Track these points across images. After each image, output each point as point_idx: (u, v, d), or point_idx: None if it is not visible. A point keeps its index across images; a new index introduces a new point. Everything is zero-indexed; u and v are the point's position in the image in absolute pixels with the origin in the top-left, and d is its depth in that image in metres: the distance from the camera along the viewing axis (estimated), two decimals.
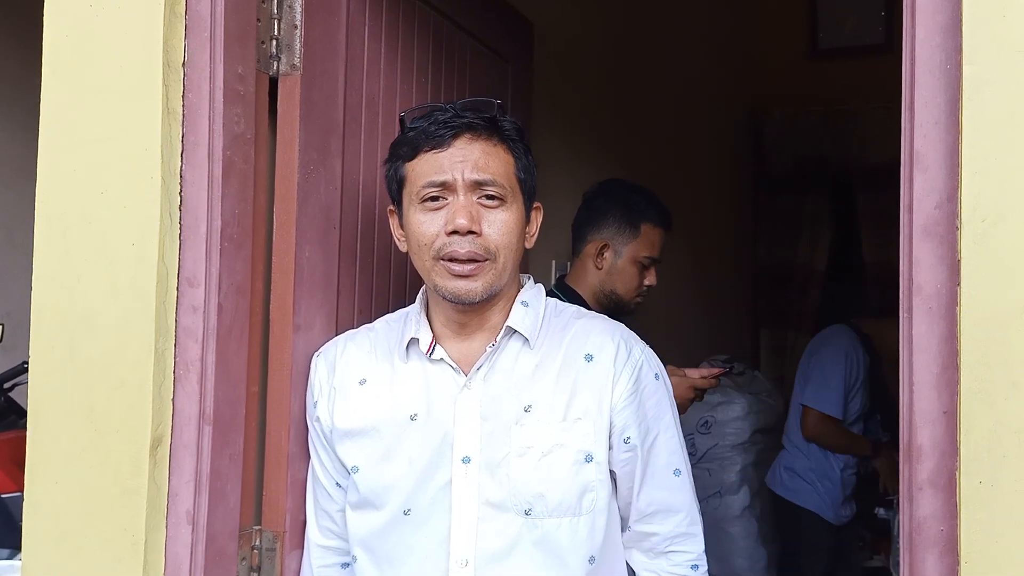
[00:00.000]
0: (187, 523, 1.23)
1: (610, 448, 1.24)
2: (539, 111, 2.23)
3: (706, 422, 3.45)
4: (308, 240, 1.39)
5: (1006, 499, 0.90)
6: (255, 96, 1.35)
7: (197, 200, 1.27)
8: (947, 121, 0.98)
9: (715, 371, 2.05)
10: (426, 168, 1.22)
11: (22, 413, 2.69)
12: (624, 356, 1.25)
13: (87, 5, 1.31)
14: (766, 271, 4.75)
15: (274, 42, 1.38)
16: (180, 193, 1.28)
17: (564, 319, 1.30)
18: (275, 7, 1.37)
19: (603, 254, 2.08)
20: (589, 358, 1.24)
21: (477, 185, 1.20)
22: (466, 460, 1.21)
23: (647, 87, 3.34)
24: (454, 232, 1.19)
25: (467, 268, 1.19)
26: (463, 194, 1.20)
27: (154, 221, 1.26)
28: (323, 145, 1.42)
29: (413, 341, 1.27)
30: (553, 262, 2.60)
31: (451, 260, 1.19)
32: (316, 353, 1.35)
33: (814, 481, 2.94)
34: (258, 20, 1.35)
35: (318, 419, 1.30)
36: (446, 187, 1.20)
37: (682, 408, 2.01)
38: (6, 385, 2.73)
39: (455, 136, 1.21)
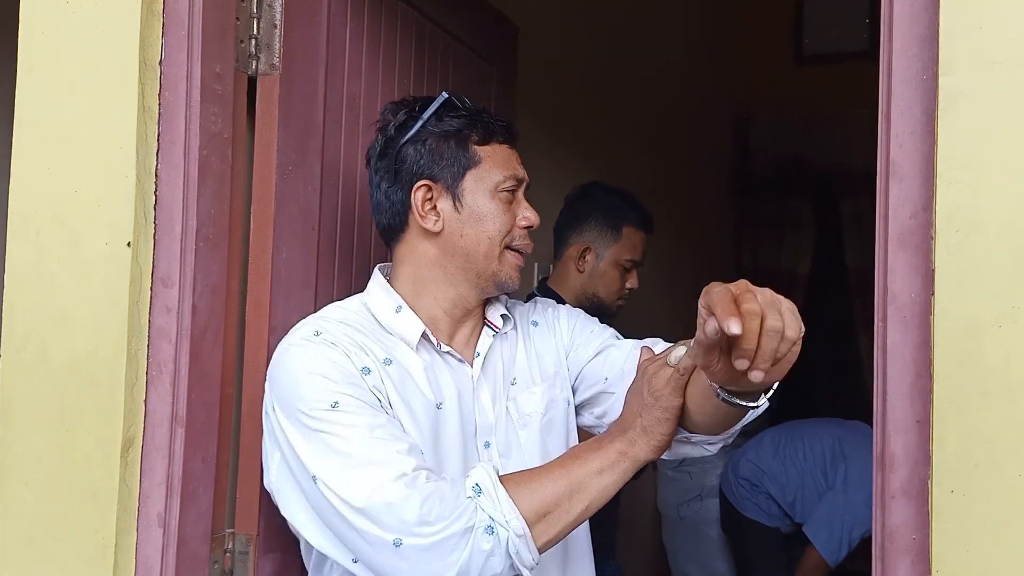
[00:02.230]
0: (158, 526, 1.22)
1: (583, 372, 1.36)
2: (523, 114, 2.22)
3: None
4: (286, 242, 1.38)
5: (978, 508, 0.90)
6: (233, 95, 1.33)
7: (172, 199, 1.26)
8: (923, 131, 0.99)
9: None
10: (502, 160, 1.28)
11: None
12: (543, 306, 1.44)
13: (63, 2, 1.29)
14: (749, 275, 4.72)
15: (253, 41, 1.36)
16: (155, 192, 1.27)
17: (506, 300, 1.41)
18: (254, 6, 1.36)
19: (585, 257, 2.09)
20: (535, 324, 1.39)
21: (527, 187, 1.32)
22: (487, 445, 1.27)
23: (632, 91, 3.34)
24: (528, 227, 1.29)
25: (522, 261, 1.31)
26: (522, 192, 1.31)
27: (128, 220, 1.24)
28: (302, 146, 1.41)
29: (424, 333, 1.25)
30: (536, 265, 2.60)
31: (519, 252, 1.29)
32: (309, 338, 1.18)
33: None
34: (237, 19, 1.34)
35: (376, 388, 1.16)
36: (519, 183, 1.29)
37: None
38: None
39: (515, 135, 1.32)
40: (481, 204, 1.26)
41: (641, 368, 1.20)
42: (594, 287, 2.10)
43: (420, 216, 1.25)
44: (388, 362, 1.21)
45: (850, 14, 4.51)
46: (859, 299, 4.45)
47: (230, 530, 1.32)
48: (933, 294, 0.95)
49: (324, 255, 1.47)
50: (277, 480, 1.19)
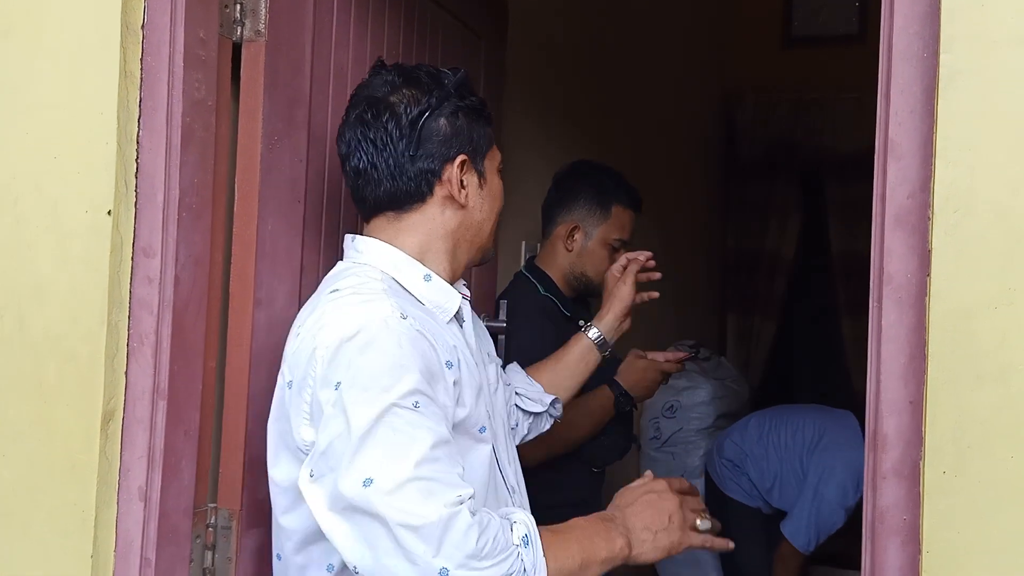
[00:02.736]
0: (139, 499, 1.20)
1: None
2: (511, 90, 2.20)
3: (671, 406, 3.46)
4: (271, 213, 1.35)
5: (970, 489, 0.90)
6: (217, 62, 1.30)
7: (154, 167, 1.23)
8: (922, 110, 0.97)
9: (680, 355, 2.05)
10: (496, 148, 1.34)
11: None
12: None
13: None
14: (734, 257, 4.77)
15: (238, 6, 1.33)
16: (136, 160, 1.23)
17: None
18: None
19: (573, 236, 2.07)
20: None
21: None
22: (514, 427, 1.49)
23: (621, 71, 3.32)
24: None
25: None
26: None
27: (109, 188, 1.21)
28: (288, 116, 1.38)
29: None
30: (523, 243, 2.58)
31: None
32: (397, 320, 1.11)
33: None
34: None
35: (457, 382, 1.15)
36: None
37: (648, 392, 2.03)
38: None
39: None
40: (495, 183, 1.32)
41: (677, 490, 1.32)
42: (582, 266, 2.08)
43: (456, 189, 1.24)
44: (454, 347, 1.19)
45: None
46: (843, 282, 4.47)
47: (212, 505, 1.30)
48: (929, 275, 0.94)
49: (310, 228, 1.44)
50: (310, 462, 1.09)
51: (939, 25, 0.97)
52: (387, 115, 1.23)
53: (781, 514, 2.86)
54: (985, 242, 0.93)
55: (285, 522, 1.17)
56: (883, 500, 0.94)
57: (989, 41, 0.95)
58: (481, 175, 1.28)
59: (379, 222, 1.27)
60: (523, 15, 2.28)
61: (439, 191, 1.25)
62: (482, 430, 1.22)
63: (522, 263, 2.43)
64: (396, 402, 1.04)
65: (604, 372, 1.99)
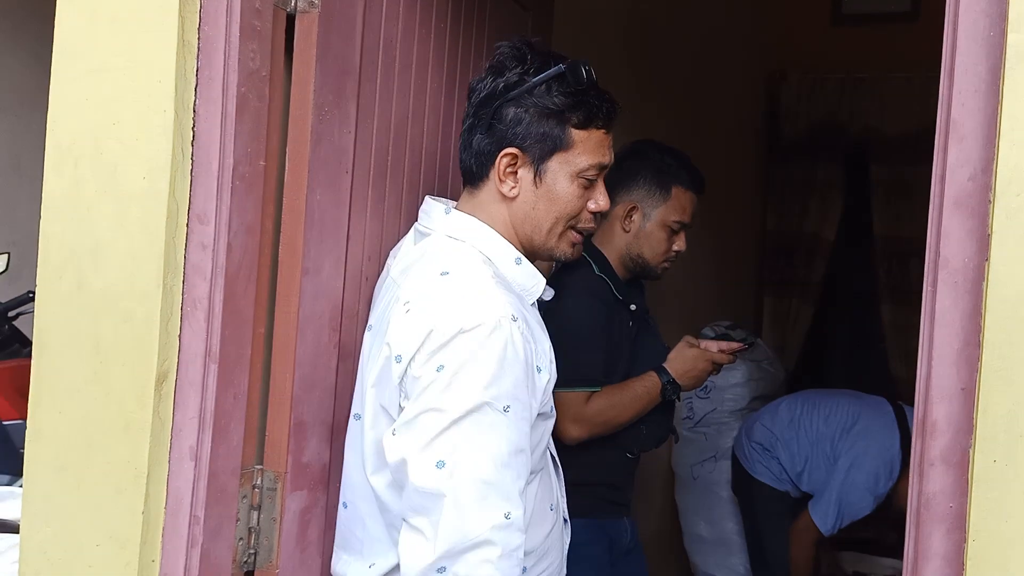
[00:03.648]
0: (190, 459, 1.23)
1: None
2: None
3: (706, 386, 3.45)
4: (319, 183, 1.36)
5: (1021, 479, 0.89)
6: (272, 32, 1.31)
7: (210, 136, 1.25)
8: (987, 90, 0.96)
9: (734, 346, 2.02)
10: (594, 146, 1.32)
11: (26, 343, 2.69)
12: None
13: None
14: (773, 238, 4.71)
15: None
16: (193, 128, 1.25)
17: None
18: None
19: (631, 216, 2.02)
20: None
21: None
22: None
23: (666, 47, 3.28)
24: (597, 212, 1.36)
25: (582, 239, 1.38)
26: (602, 176, 1.36)
27: (166, 155, 1.23)
28: (338, 87, 1.39)
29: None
30: None
31: (580, 232, 1.36)
32: (510, 321, 1.18)
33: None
34: None
35: (543, 387, 1.25)
36: (602, 170, 1.34)
37: (697, 381, 2.00)
38: (11, 314, 2.73)
39: (614, 120, 1.35)
40: (560, 185, 1.31)
41: None
42: (639, 247, 2.02)
43: (499, 179, 1.30)
44: (547, 350, 1.30)
45: None
46: (884, 268, 4.39)
47: (259, 466, 1.33)
48: (988, 259, 0.93)
49: (357, 199, 1.45)
50: (396, 424, 1.19)
51: (1007, 3, 0.94)
52: (476, 88, 1.32)
53: (809, 498, 2.85)
54: None
55: (373, 481, 1.26)
56: (930, 487, 0.94)
57: None
58: (539, 174, 1.30)
59: (464, 195, 1.37)
60: None
61: (492, 175, 1.31)
62: (551, 410, 1.32)
63: None
64: (489, 401, 1.13)
65: (654, 358, 2.00)
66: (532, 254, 1.36)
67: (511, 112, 1.28)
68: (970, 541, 0.91)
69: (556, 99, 1.28)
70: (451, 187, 1.71)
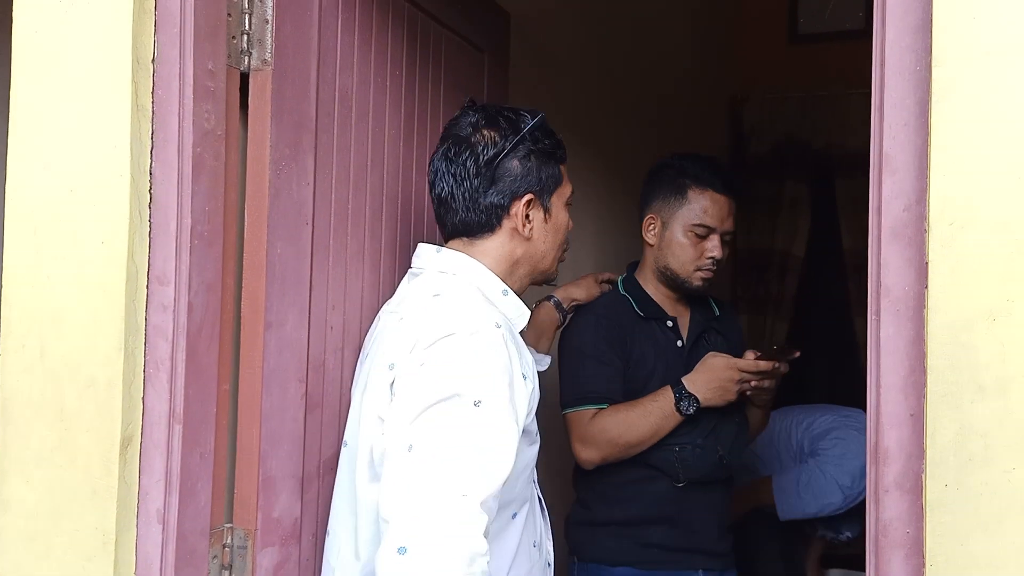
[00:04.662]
0: (157, 522, 1.23)
1: None
2: (515, 101, 2.22)
3: None
4: (280, 237, 1.38)
5: (972, 502, 0.91)
6: (226, 92, 1.33)
7: (167, 197, 1.26)
8: (916, 123, 0.99)
9: (762, 365, 1.83)
10: (568, 177, 1.49)
11: None
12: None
13: (56, 1, 1.28)
14: (744, 256, 4.76)
15: (245, 37, 1.36)
16: (150, 191, 1.26)
17: None
18: (246, 2, 1.35)
19: (651, 229, 1.93)
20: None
21: None
22: None
23: (625, 75, 3.33)
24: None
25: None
26: None
27: (123, 219, 1.24)
28: (295, 141, 1.41)
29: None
30: None
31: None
32: (492, 327, 1.28)
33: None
34: (229, 15, 1.33)
35: (533, 391, 1.35)
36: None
37: (721, 397, 1.83)
38: None
39: None
40: (560, 217, 1.48)
41: None
42: (664, 259, 1.91)
43: (522, 224, 1.42)
44: (531, 362, 1.38)
45: None
46: (854, 280, 4.45)
47: (228, 525, 1.33)
48: (927, 287, 0.95)
49: (319, 249, 1.47)
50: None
51: (931, 38, 0.98)
52: (467, 153, 1.41)
53: (797, 522, 2.85)
54: (981, 254, 0.94)
55: (368, 492, 1.31)
56: (886, 513, 0.95)
57: (981, 54, 0.96)
58: (547, 210, 1.45)
59: (455, 244, 1.45)
60: (526, 25, 2.29)
61: (507, 223, 1.42)
62: (535, 434, 1.40)
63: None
64: (460, 393, 1.19)
65: (678, 371, 1.87)
66: (535, 282, 1.51)
67: (516, 164, 1.41)
68: (928, 566, 0.92)
69: (547, 142, 1.44)
70: (413, 230, 1.72)
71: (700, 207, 1.89)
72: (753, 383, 1.84)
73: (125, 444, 1.23)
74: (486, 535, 1.14)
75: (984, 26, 0.96)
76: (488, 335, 1.25)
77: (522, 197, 1.41)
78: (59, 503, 1.26)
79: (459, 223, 1.43)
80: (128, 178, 1.24)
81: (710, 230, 1.89)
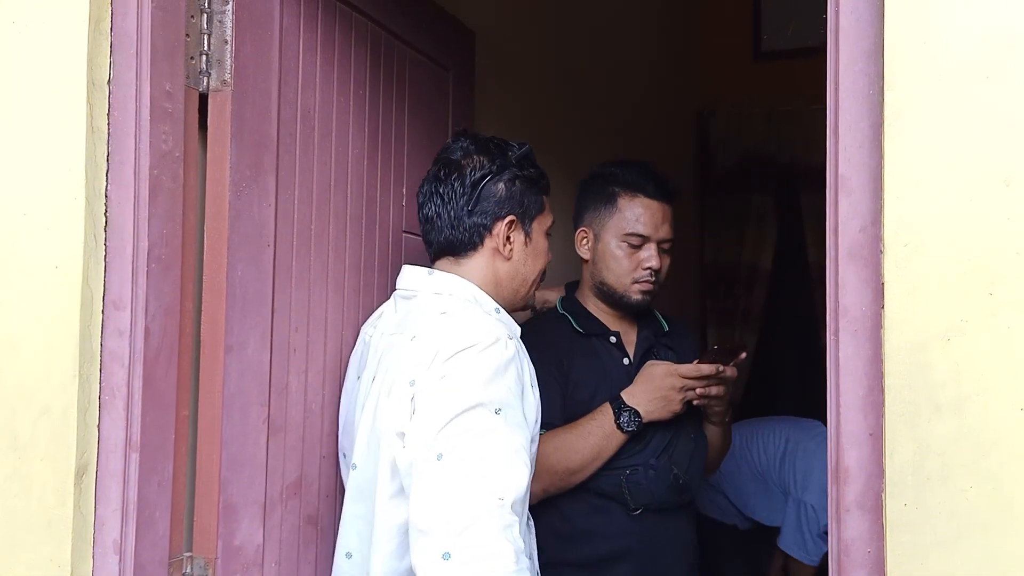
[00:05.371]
0: (114, 552, 1.20)
1: None
2: (481, 119, 2.22)
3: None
4: (240, 259, 1.36)
5: (931, 521, 0.91)
6: (184, 113, 1.31)
7: (123, 220, 1.24)
8: (871, 146, 1.00)
9: (703, 368, 1.68)
10: (549, 208, 1.55)
11: None
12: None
13: (10, 22, 1.26)
14: (712, 270, 4.80)
15: (204, 57, 1.34)
16: (105, 214, 1.24)
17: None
18: (205, 22, 1.34)
19: (583, 243, 1.81)
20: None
21: None
22: None
23: (592, 91, 3.35)
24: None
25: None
26: None
27: (78, 243, 1.22)
28: (255, 161, 1.40)
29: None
30: None
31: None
32: (506, 339, 1.34)
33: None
34: (187, 36, 1.31)
35: (534, 403, 1.42)
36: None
37: (664, 409, 1.69)
38: None
39: None
40: (541, 243, 1.54)
41: None
42: (600, 273, 1.78)
43: (502, 244, 1.48)
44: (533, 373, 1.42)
45: (807, 10, 4.55)
46: (820, 292, 4.50)
47: (188, 554, 1.30)
48: (883, 307, 0.96)
49: (281, 271, 1.45)
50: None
51: (883, 63, 0.99)
52: (456, 175, 1.48)
53: (760, 529, 2.88)
54: (936, 275, 0.95)
55: (390, 509, 1.32)
56: (847, 533, 0.96)
57: (933, 78, 0.98)
58: (528, 234, 1.51)
59: (442, 263, 1.50)
60: (490, 43, 2.30)
61: (488, 243, 1.48)
62: (534, 441, 1.42)
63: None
64: (483, 402, 1.25)
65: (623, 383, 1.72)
66: (510, 308, 1.52)
67: (501, 187, 1.48)
68: None
69: (532, 171, 1.52)
70: (378, 249, 1.71)
71: (632, 215, 1.76)
72: (699, 390, 1.70)
73: (80, 473, 1.20)
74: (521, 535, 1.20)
75: (934, 51, 0.98)
76: (504, 346, 1.31)
77: (504, 218, 1.47)
78: (13, 534, 1.23)
79: (444, 241, 1.49)
80: (83, 201, 1.22)
81: (644, 239, 1.76)
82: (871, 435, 0.96)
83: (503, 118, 2.58)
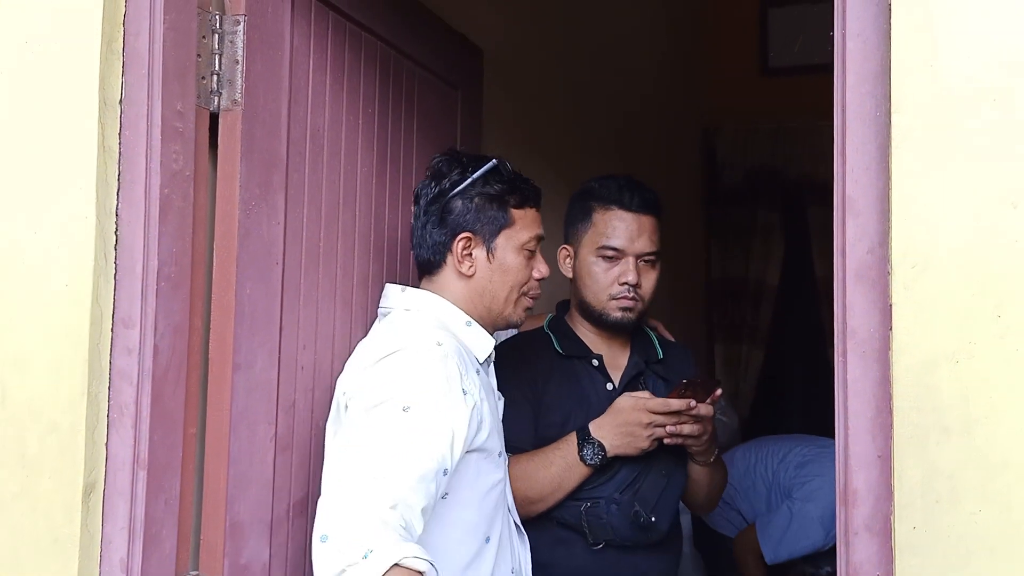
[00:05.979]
0: (121, 571, 1.20)
1: None
2: (489, 136, 2.23)
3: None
4: (249, 277, 1.37)
5: (939, 544, 0.91)
6: (195, 132, 1.32)
7: (133, 239, 1.25)
8: (878, 167, 1.00)
9: (672, 402, 1.57)
10: (530, 222, 1.52)
11: None
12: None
13: (23, 42, 1.28)
14: (719, 285, 4.80)
15: (215, 77, 1.35)
16: (116, 232, 1.25)
17: None
18: (216, 42, 1.35)
19: (565, 261, 1.74)
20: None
21: None
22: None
23: (599, 107, 3.36)
24: (541, 278, 1.55)
25: (532, 304, 1.60)
26: (539, 247, 1.58)
27: (88, 261, 1.23)
28: (265, 180, 1.40)
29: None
30: None
31: (531, 299, 1.55)
32: (431, 346, 1.35)
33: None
34: (198, 55, 1.33)
35: (475, 408, 1.41)
36: (539, 241, 1.54)
37: (630, 444, 1.59)
38: None
39: (541, 200, 1.59)
40: (509, 258, 1.49)
41: None
42: (580, 291, 1.70)
43: (458, 261, 1.47)
44: (478, 384, 1.40)
45: (814, 27, 4.56)
46: (827, 307, 4.49)
47: (194, 572, 1.30)
48: (891, 329, 0.96)
49: (289, 288, 1.46)
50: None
51: (890, 85, 1.00)
52: (422, 194, 1.51)
53: None
54: (944, 296, 0.95)
55: None
56: (856, 556, 0.95)
57: (940, 100, 0.98)
58: (491, 251, 1.48)
59: (424, 281, 1.53)
60: (498, 60, 2.31)
61: (450, 260, 1.48)
62: (500, 455, 1.45)
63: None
64: (388, 400, 1.26)
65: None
66: (491, 324, 1.51)
67: (459, 204, 1.47)
68: None
69: (495, 187, 1.48)
70: (387, 268, 1.72)
71: (606, 227, 1.66)
72: (668, 428, 1.57)
73: (88, 491, 1.20)
74: (409, 531, 1.17)
75: (941, 73, 0.98)
76: (428, 351, 1.33)
77: (460, 235, 1.47)
78: (20, 552, 1.23)
79: (418, 259, 1.53)
80: (93, 219, 1.23)
81: (619, 252, 1.66)
82: (879, 457, 0.96)
83: (511, 135, 2.60)
